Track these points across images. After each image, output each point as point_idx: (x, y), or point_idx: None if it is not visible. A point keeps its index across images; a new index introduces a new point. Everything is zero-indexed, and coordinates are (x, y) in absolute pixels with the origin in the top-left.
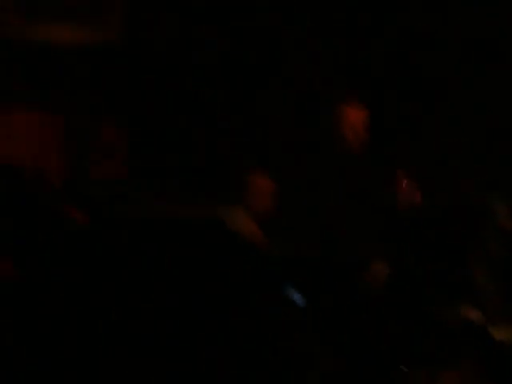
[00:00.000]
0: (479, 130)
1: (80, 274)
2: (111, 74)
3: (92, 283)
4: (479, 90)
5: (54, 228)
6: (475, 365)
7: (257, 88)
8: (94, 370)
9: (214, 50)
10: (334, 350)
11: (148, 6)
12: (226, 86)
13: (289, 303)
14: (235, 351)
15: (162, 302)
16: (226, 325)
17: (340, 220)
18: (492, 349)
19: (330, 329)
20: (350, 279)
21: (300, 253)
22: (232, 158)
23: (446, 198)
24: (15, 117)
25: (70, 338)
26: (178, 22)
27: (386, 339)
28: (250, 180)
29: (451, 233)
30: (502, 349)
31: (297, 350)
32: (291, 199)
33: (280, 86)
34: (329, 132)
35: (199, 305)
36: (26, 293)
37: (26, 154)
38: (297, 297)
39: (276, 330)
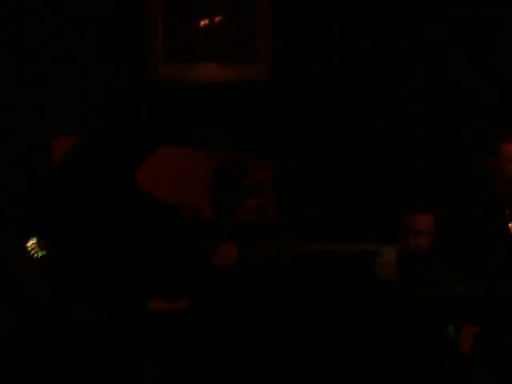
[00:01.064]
0: None
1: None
2: (262, 111)
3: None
4: None
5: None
6: None
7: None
8: None
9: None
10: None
11: (298, 43)
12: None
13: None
14: None
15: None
16: None
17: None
18: None
19: None
20: None
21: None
22: (389, 196)
23: None
24: (169, 153)
25: None
26: (329, 59)
27: None
28: (412, 219)
29: None
30: None
31: None
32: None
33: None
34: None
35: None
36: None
37: (178, 191)
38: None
39: None
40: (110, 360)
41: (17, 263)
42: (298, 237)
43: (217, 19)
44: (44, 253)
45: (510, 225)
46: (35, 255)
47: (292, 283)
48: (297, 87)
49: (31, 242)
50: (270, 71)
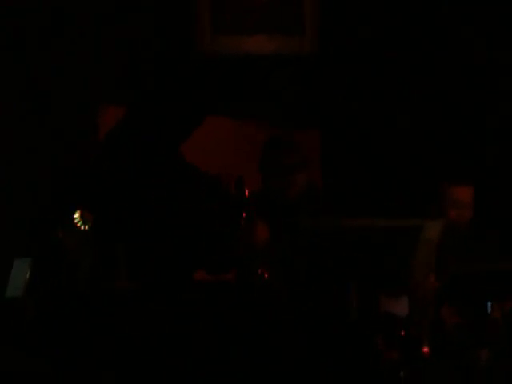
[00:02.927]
0: None
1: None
2: (308, 84)
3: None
4: None
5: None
6: None
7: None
8: None
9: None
10: None
11: (343, 15)
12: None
13: None
14: None
15: None
16: None
17: None
18: None
19: None
20: None
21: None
22: (431, 168)
23: None
24: (216, 126)
25: None
26: (376, 33)
27: None
28: (455, 189)
29: None
30: None
31: None
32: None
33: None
34: None
35: None
36: None
37: (227, 163)
38: None
39: None
40: (154, 334)
41: (61, 234)
42: (343, 212)
43: None
44: (89, 225)
45: None
46: (80, 227)
47: (332, 260)
48: (344, 60)
49: (77, 215)
50: (317, 44)
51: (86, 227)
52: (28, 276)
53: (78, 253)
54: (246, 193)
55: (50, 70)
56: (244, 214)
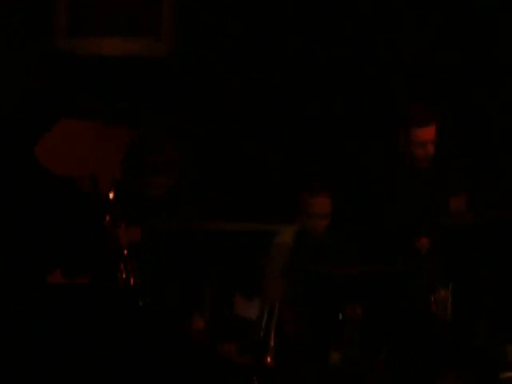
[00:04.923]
0: None
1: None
2: (163, 85)
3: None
4: None
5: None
6: None
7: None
8: None
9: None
10: None
11: (198, 16)
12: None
13: None
14: None
15: None
16: None
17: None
18: None
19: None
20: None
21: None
22: (291, 175)
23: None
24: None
25: None
26: (231, 32)
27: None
28: (311, 200)
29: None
30: None
31: None
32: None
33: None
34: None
35: None
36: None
37: (85, 165)
38: None
39: None
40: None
41: None
42: (199, 215)
43: None
44: None
45: None
46: None
47: (187, 262)
48: (197, 63)
49: None
50: (171, 46)
51: None
52: None
53: None
54: (111, 195)
55: None
56: (107, 217)
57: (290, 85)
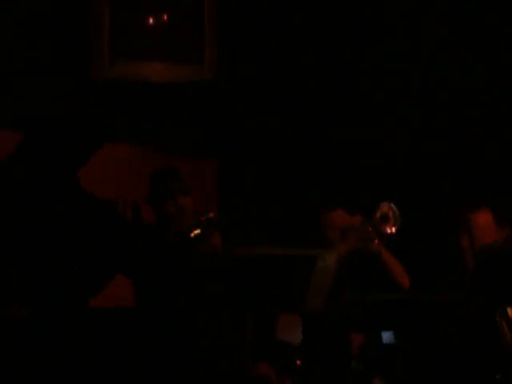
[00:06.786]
0: None
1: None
2: (208, 110)
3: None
4: None
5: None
6: None
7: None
8: None
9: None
10: None
11: (242, 42)
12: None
13: None
14: None
15: None
16: None
17: None
18: None
19: None
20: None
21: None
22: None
23: None
24: (114, 151)
25: None
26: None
27: None
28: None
29: None
30: None
31: None
32: None
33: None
34: None
35: None
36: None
37: (124, 189)
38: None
39: None
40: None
41: None
42: (239, 240)
43: (164, 18)
44: None
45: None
46: None
47: (230, 287)
48: (240, 89)
49: None
50: (214, 72)
51: None
52: None
53: None
54: (142, 219)
55: None
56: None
57: (334, 109)
